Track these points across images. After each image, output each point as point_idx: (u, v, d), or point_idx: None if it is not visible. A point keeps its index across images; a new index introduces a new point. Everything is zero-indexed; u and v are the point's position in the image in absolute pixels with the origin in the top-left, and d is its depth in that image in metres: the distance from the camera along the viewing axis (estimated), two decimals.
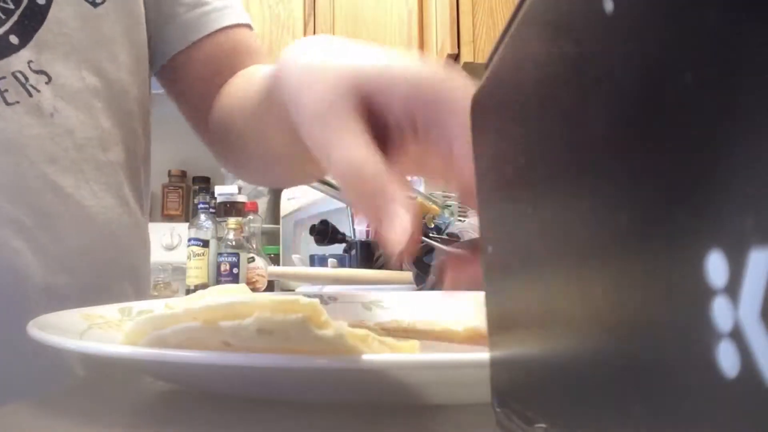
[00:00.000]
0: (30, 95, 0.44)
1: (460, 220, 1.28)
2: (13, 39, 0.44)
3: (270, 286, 1.71)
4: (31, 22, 0.45)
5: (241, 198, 1.88)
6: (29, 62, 0.44)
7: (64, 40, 0.46)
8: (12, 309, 0.42)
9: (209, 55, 0.54)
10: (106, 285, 0.49)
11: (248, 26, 0.57)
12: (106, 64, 0.49)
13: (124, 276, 0.52)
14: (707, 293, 0.07)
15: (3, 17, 0.44)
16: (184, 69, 0.55)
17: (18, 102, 0.44)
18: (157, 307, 0.42)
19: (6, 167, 0.43)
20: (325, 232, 1.15)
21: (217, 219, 1.75)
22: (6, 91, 0.43)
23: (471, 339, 0.39)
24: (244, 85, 0.49)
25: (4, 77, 0.43)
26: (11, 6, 0.44)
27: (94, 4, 0.48)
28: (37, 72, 0.45)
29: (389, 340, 0.27)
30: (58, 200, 0.45)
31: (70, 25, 0.46)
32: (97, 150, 0.48)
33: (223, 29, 0.54)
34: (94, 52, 0.48)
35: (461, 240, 0.97)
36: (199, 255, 1.66)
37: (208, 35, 0.54)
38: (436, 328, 0.41)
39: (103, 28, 0.49)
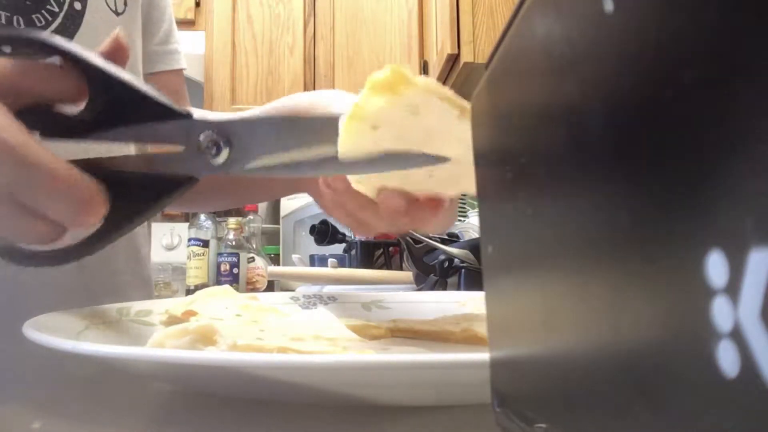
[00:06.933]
0: None
1: (460, 220, 1.27)
2: None
3: (270, 286, 1.71)
4: (72, 24, 0.49)
5: None
6: None
7: (97, 43, 0.49)
8: (44, 298, 0.44)
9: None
10: (131, 270, 0.55)
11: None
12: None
13: (138, 267, 0.57)
14: (707, 293, 0.07)
15: (50, 18, 0.48)
16: None
17: None
18: (156, 307, 0.42)
19: None
20: (325, 232, 1.15)
21: (217, 219, 1.75)
22: None
23: (468, 339, 0.39)
24: None
25: None
26: (56, 9, 0.48)
27: (117, 14, 0.53)
28: None
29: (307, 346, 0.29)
30: None
31: (100, 30, 0.51)
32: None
33: (177, 70, 0.64)
34: None
35: (461, 240, 0.97)
36: (199, 255, 1.66)
37: (166, 71, 0.62)
38: (434, 328, 0.41)
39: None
